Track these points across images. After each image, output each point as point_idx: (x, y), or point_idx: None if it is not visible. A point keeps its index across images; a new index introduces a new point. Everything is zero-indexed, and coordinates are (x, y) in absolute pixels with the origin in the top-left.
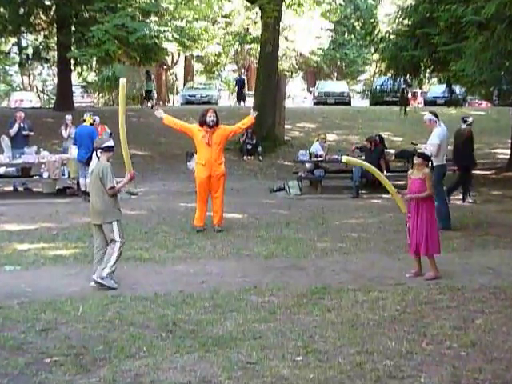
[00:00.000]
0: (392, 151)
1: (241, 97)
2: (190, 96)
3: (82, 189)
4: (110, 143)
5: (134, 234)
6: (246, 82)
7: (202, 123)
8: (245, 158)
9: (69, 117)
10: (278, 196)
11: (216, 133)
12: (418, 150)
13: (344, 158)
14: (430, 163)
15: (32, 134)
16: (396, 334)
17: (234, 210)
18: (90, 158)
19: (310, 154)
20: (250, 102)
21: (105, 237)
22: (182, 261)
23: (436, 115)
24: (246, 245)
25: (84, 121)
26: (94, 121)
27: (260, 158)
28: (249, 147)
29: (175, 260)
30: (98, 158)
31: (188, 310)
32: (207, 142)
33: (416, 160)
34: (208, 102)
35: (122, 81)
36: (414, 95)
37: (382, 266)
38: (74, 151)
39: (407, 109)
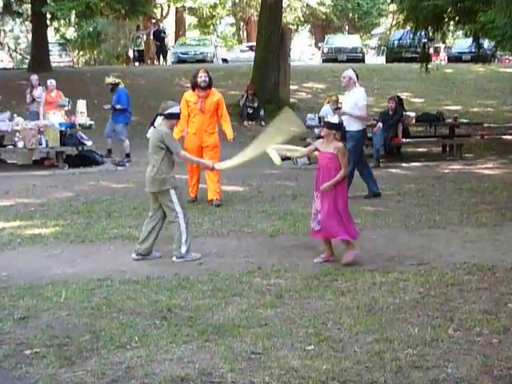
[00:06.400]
0: (412, 114)
1: (161, 53)
2: (182, 54)
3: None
4: (174, 110)
5: (122, 210)
6: (165, 33)
7: (194, 85)
8: (245, 123)
9: (34, 77)
10: (283, 166)
11: (210, 99)
12: (325, 119)
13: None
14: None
15: None
16: (419, 319)
17: (234, 182)
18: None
19: (319, 118)
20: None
21: (161, 207)
22: None
23: (357, 75)
24: (249, 221)
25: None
26: None
27: (262, 123)
28: (250, 111)
29: (168, 239)
30: (154, 126)
31: (184, 295)
32: (200, 107)
33: (323, 132)
34: (203, 61)
35: None
36: (437, 50)
37: (402, 244)
38: (52, 117)
39: (429, 66)
